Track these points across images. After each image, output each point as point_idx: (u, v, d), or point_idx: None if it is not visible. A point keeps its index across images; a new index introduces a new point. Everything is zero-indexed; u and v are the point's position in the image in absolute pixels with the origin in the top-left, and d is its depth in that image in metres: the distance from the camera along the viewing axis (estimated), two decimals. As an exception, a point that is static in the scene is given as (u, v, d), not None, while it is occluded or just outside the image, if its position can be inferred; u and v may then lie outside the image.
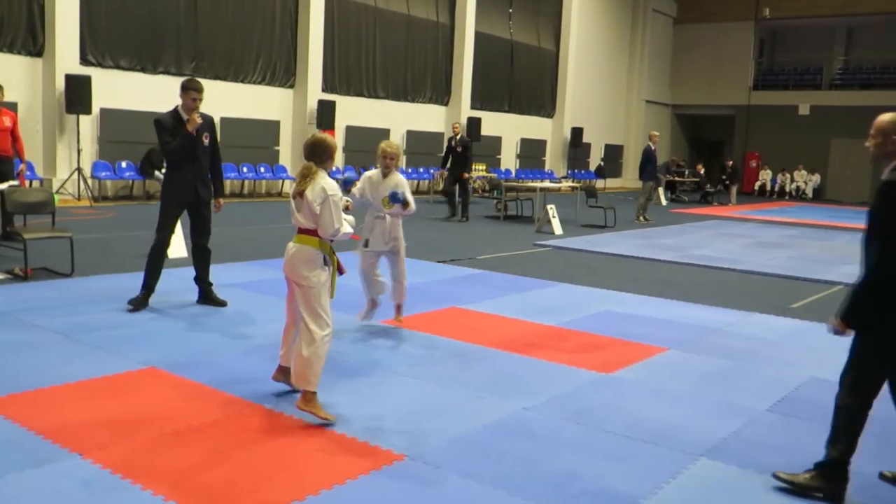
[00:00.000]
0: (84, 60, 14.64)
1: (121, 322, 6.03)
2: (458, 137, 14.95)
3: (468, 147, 15.03)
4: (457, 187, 15.14)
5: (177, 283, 7.33)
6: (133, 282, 7.10)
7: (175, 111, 6.48)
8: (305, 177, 4.35)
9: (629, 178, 31.08)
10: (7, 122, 9.49)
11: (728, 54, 31.97)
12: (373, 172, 6.22)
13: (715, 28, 32.07)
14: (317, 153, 4.41)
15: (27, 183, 10.30)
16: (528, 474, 3.70)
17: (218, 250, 9.03)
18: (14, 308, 6.22)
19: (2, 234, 8.70)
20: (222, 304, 6.77)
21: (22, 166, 9.85)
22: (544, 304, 7.56)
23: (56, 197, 8.69)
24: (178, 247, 9.09)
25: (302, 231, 4.41)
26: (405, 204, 5.93)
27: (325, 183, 4.31)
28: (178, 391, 4.59)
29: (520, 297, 7.91)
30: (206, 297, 6.81)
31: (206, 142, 6.59)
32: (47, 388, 4.47)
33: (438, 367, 5.35)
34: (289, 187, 18.78)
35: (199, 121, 6.42)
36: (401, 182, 6.06)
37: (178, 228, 9.02)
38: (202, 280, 6.82)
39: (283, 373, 4.65)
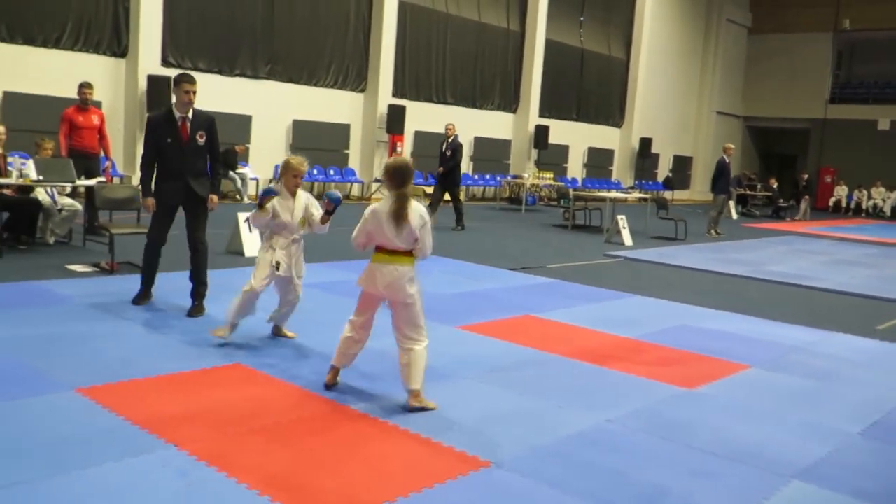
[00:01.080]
0: (165, 62, 15.06)
1: (202, 318, 6.15)
2: (449, 140, 14.00)
3: (457, 151, 14.01)
4: (444, 194, 14.08)
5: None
6: (210, 279, 7.17)
7: (169, 109, 6.19)
8: (405, 202, 4.41)
9: (698, 190, 30.57)
10: (95, 120, 9.82)
11: (804, 66, 31.16)
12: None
13: (791, 39, 31.31)
14: (407, 177, 4.49)
15: (112, 180, 10.62)
16: (615, 488, 3.65)
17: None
18: (102, 300, 6.42)
19: (88, 228, 8.99)
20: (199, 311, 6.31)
21: (108, 163, 10.17)
22: (618, 316, 7.46)
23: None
24: (254, 246, 9.26)
25: (397, 252, 4.46)
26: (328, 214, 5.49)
27: (420, 208, 4.45)
28: (264, 388, 4.66)
29: (593, 307, 7.83)
30: (198, 297, 6.36)
31: (202, 141, 6.25)
32: (140, 380, 4.59)
33: (517, 375, 5.32)
34: (357, 190, 18.99)
35: (152, 209, 6.24)
36: (311, 200, 5.63)
37: (256, 232, 9.21)
38: (197, 281, 6.37)
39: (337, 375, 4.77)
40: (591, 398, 4.93)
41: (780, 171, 30.92)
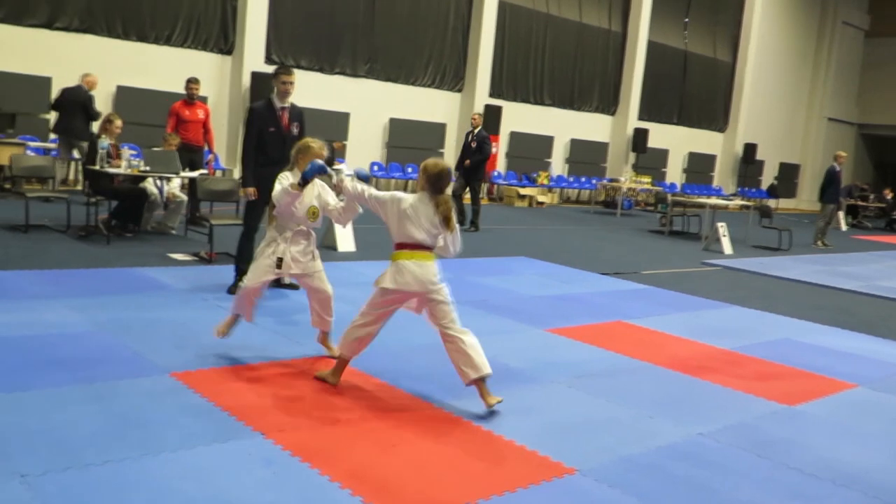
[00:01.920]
0: (269, 59, 15.46)
1: (294, 308, 6.25)
2: (475, 131, 12.90)
3: (485, 142, 12.92)
4: (467, 190, 13.01)
5: (347, 276, 7.54)
6: None
7: (269, 100, 6.48)
8: (451, 207, 4.46)
9: (804, 199, 29.36)
10: (201, 114, 10.15)
11: (926, 71, 29.49)
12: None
13: (912, 43, 29.68)
14: (447, 182, 4.50)
15: (214, 172, 10.95)
16: (707, 505, 3.49)
17: (380, 249, 9.24)
18: (199, 288, 6.60)
19: (190, 218, 9.28)
20: (294, 287, 6.67)
21: (210, 156, 10.49)
22: (715, 326, 7.19)
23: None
24: (347, 240, 9.38)
25: (423, 247, 4.40)
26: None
27: None
28: (352, 381, 4.67)
29: (689, 316, 7.57)
30: (277, 281, 6.42)
31: (297, 131, 6.50)
32: (232, 367, 4.68)
33: (606, 382, 5.17)
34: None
35: (254, 197, 6.45)
36: (324, 189, 5.18)
37: (350, 226, 9.33)
38: None
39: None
40: (683, 409, 4.75)
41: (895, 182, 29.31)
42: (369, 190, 4.56)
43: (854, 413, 5.01)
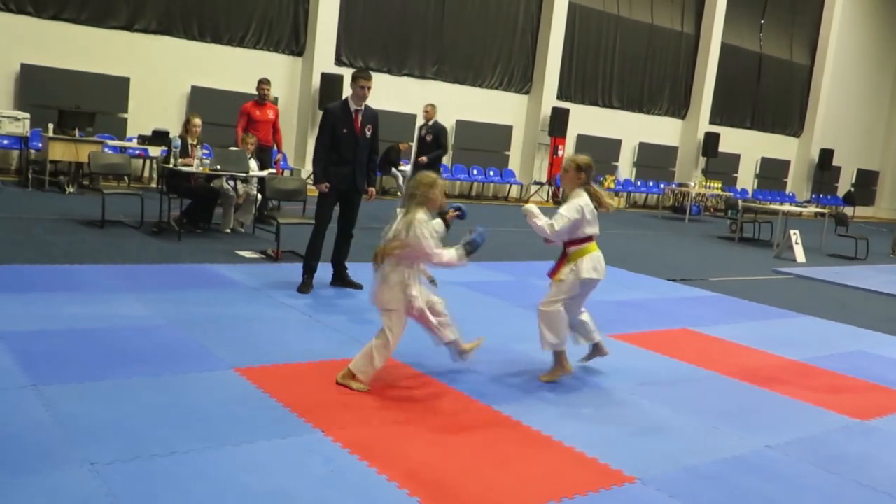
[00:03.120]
0: (338, 61, 15.67)
1: (356, 308, 6.31)
2: (429, 123, 11.41)
3: (442, 134, 11.38)
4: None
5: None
6: (366, 273, 7.40)
7: (345, 102, 6.69)
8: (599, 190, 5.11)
9: (884, 206, 28.32)
10: (271, 114, 10.33)
11: None
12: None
13: None
14: (592, 173, 5.07)
15: (282, 172, 11.14)
16: (773, 520, 3.38)
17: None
18: (265, 285, 6.72)
19: (258, 217, 9.46)
20: (358, 286, 6.89)
21: (279, 155, 10.67)
22: (786, 336, 6.98)
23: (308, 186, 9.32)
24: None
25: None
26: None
27: None
28: (413, 382, 4.70)
29: (758, 325, 7.37)
30: (342, 279, 6.97)
31: (369, 134, 6.73)
32: (293, 364, 4.75)
33: (670, 390, 5.08)
34: (515, 192, 18.95)
35: (326, 190, 6.65)
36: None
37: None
38: (339, 264, 6.98)
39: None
40: (750, 421, 4.63)
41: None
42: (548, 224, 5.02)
43: (932, 431, 4.80)
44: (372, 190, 6.95)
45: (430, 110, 11.52)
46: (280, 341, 5.16)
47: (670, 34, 21.33)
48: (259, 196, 9.44)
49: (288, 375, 4.53)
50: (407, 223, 4.41)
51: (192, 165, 8.75)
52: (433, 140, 11.20)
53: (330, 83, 15.02)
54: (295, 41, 15.39)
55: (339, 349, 5.13)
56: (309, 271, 6.78)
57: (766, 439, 4.32)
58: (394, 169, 15.36)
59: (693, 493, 3.54)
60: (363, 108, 6.65)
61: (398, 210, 4.61)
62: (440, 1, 17.03)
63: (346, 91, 15.69)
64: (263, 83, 10.28)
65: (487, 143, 18.24)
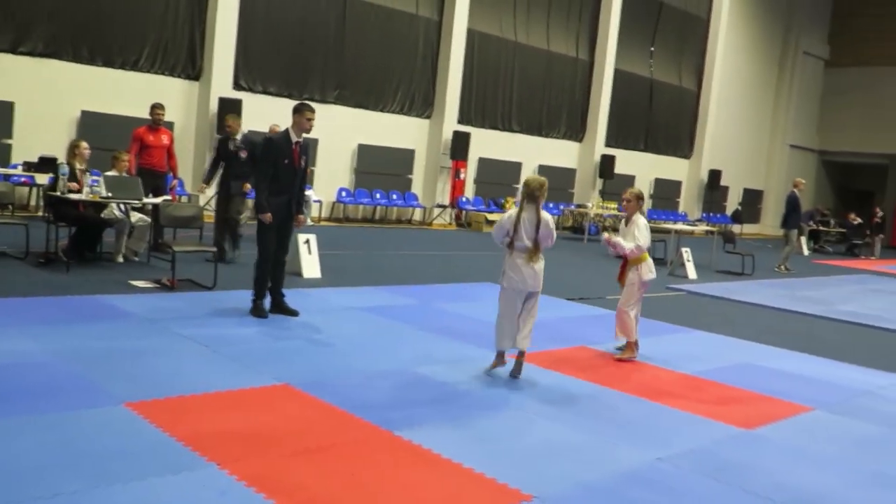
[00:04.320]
0: (236, 85, 15.46)
1: (256, 337, 6.21)
2: (237, 138, 9.82)
3: (257, 148, 8.98)
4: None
5: (312, 302, 7.52)
6: (267, 300, 7.37)
7: (286, 133, 6.88)
8: None
9: (768, 224, 29.82)
10: (165, 139, 10.10)
11: (884, 100, 30.19)
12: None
13: (870, 72, 30.42)
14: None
15: (178, 198, 10.88)
16: (663, 531, 3.50)
17: (348, 275, 9.24)
18: (160, 316, 6.53)
19: (153, 245, 9.20)
20: (294, 313, 7.02)
21: (174, 182, 10.42)
22: (678, 351, 7.25)
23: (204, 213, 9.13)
24: (313, 267, 9.34)
25: None
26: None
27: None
28: (309, 410, 4.64)
29: (652, 341, 7.61)
30: (279, 307, 7.08)
31: (303, 164, 6.96)
32: (188, 396, 4.62)
33: (566, 408, 5.19)
34: (419, 215, 19.06)
35: (268, 222, 6.83)
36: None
37: (314, 250, 9.30)
38: (276, 291, 7.12)
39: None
40: (644, 435, 4.78)
41: (857, 208, 29.86)
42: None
43: (810, 436, 5.08)
44: (301, 217, 7.15)
45: (233, 124, 9.92)
46: (174, 374, 5.02)
47: (566, 60, 21.99)
48: (151, 222, 9.16)
49: (182, 408, 4.41)
50: (544, 221, 5.85)
51: (80, 192, 8.44)
52: (249, 155, 9.58)
53: (228, 108, 14.76)
54: (191, 65, 15.11)
55: (236, 379, 5.03)
56: (261, 296, 6.93)
57: (658, 452, 4.46)
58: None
59: None
60: (301, 139, 6.87)
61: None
62: (340, 25, 17.06)
63: (247, 116, 15.50)
64: (157, 108, 10.04)
65: (390, 166, 18.31)
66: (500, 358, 5.88)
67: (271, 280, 7.05)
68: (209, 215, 9.50)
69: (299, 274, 9.21)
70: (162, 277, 8.04)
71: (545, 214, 5.80)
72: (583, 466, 4.15)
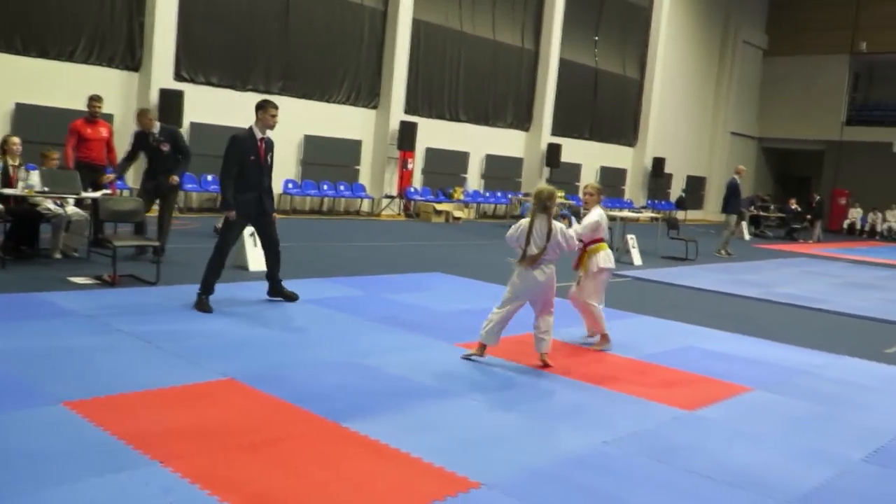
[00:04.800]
0: (178, 76, 15.17)
1: (201, 332, 6.12)
2: (156, 130, 9.30)
3: (180, 139, 9.53)
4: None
5: (259, 296, 7.44)
6: (218, 292, 7.27)
7: (250, 130, 6.97)
8: None
9: (711, 210, 30.41)
10: (104, 132, 9.86)
11: (820, 88, 31.06)
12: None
13: (807, 61, 31.23)
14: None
15: (118, 192, 10.64)
16: (607, 512, 3.56)
17: (296, 266, 9.15)
18: (100, 313, 6.39)
19: (93, 240, 8.99)
20: (293, 297, 7.40)
21: (112, 175, 10.17)
22: (623, 336, 7.34)
23: (152, 206, 8.95)
24: (259, 260, 9.22)
25: None
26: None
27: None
28: (255, 404, 4.60)
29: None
30: (278, 291, 7.43)
31: (270, 160, 7.17)
32: (129, 394, 4.54)
33: (513, 394, 5.24)
34: (367, 206, 18.97)
35: (233, 219, 7.01)
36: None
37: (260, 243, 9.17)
38: (273, 278, 7.44)
39: None
40: (589, 419, 4.85)
41: (796, 193, 30.61)
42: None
43: (749, 416, 5.21)
44: (274, 216, 7.31)
45: (149, 119, 9.34)
46: (115, 371, 4.92)
47: (512, 50, 22.07)
48: (87, 216, 8.94)
49: (123, 406, 4.33)
50: (560, 229, 5.88)
51: (15, 188, 8.20)
52: (173, 147, 9.27)
53: (169, 99, 14.51)
54: (130, 56, 14.77)
55: (179, 375, 4.96)
56: (208, 290, 6.84)
57: (604, 436, 4.54)
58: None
59: (534, 495, 3.66)
60: (266, 136, 7.02)
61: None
62: (284, 15, 16.84)
63: (189, 108, 15.26)
64: (94, 100, 9.79)
65: (336, 157, 18.17)
66: (481, 349, 5.95)
67: (268, 270, 7.34)
68: (153, 210, 9.29)
69: (245, 267, 9.10)
70: (102, 274, 7.86)
71: (556, 224, 5.87)
72: (530, 452, 4.19)
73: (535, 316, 6.00)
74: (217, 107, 15.78)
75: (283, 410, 4.53)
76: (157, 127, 9.36)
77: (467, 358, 5.94)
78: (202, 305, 6.80)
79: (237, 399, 4.65)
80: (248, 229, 9.13)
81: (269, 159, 7.07)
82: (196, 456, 3.74)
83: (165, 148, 9.23)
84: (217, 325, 6.37)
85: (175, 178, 9.31)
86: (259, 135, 6.94)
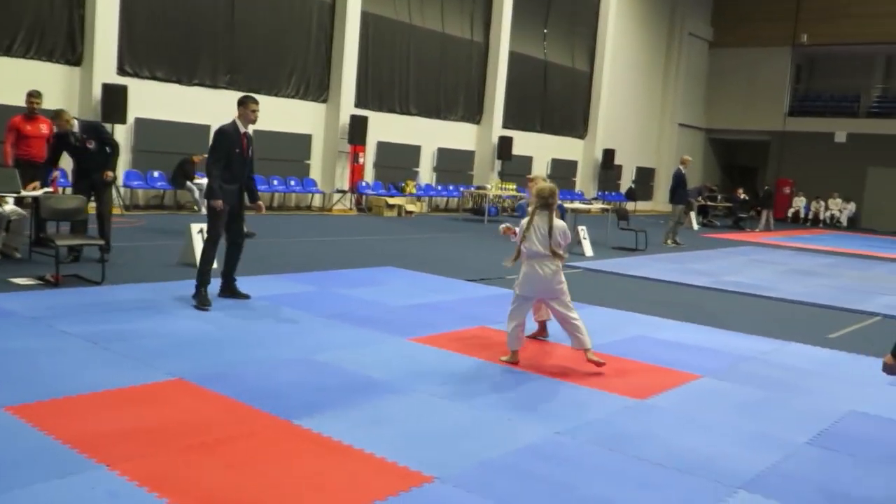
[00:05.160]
0: (121, 70, 14.83)
1: (149, 331, 6.01)
2: (76, 131, 8.91)
3: (102, 131, 9.23)
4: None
5: (209, 293, 7.33)
6: (159, 293, 7.26)
7: (234, 124, 7.14)
8: None
9: (660, 201, 30.84)
10: (44, 129, 9.61)
11: (764, 79, 31.71)
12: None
13: (751, 53, 31.84)
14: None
15: (60, 190, 10.38)
16: (562, 502, 3.59)
17: (247, 263, 9.03)
18: (44, 314, 6.23)
19: (35, 240, 8.76)
20: (245, 296, 7.37)
21: (55, 173, 9.92)
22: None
23: (88, 205, 8.72)
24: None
25: None
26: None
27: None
28: (205, 404, 4.53)
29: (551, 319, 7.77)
30: (231, 290, 7.43)
31: (251, 154, 7.30)
32: (74, 397, 4.43)
33: (468, 388, 5.24)
34: (318, 201, 18.82)
35: (220, 209, 7.05)
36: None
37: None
38: (229, 275, 7.47)
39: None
40: (543, 411, 4.88)
41: (741, 183, 31.23)
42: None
43: (699, 403, 5.30)
44: (260, 203, 7.54)
45: (63, 119, 8.88)
46: (59, 373, 4.80)
47: (462, 42, 22.07)
48: (26, 214, 8.69)
49: (68, 410, 4.22)
50: (559, 227, 5.89)
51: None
52: (101, 143, 8.96)
53: (113, 94, 14.18)
54: (71, 49, 14.38)
55: (127, 376, 4.86)
56: (205, 284, 7.00)
57: (556, 426, 4.57)
58: (188, 182, 14.76)
59: (488, 487, 3.67)
60: (248, 130, 7.20)
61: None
62: (229, 8, 16.56)
63: (133, 103, 14.96)
64: (32, 96, 9.53)
65: (286, 152, 17.97)
66: (514, 355, 5.97)
67: (226, 263, 7.38)
68: (91, 207, 9.06)
69: (194, 265, 8.94)
70: (45, 274, 7.66)
71: (557, 221, 5.93)
72: (483, 445, 4.20)
73: (554, 317, 6.11)
74: (163, 102, 15.48)
75: (233, 409, 4.46)
76: (75, 126, 9.00)
77: (507, 361, 5.91)
78: (201, 300, 6.94)
79: (186, 399, 4.58)
80: (196, 227, 9.02)
81: (250, 153, 7.27)
82: (144, 458, 3.67)
83: (91, 145, 8.89)
84: (166, 325, 6.26)
85: (110, 174, 9.00)
86: (242, 129, 7.14)
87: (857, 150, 29.40)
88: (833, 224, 29.41)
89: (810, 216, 30.15)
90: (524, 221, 5.94)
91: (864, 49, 30.23)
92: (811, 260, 15.74)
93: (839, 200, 29.71)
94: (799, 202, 30.65)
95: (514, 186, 21.60)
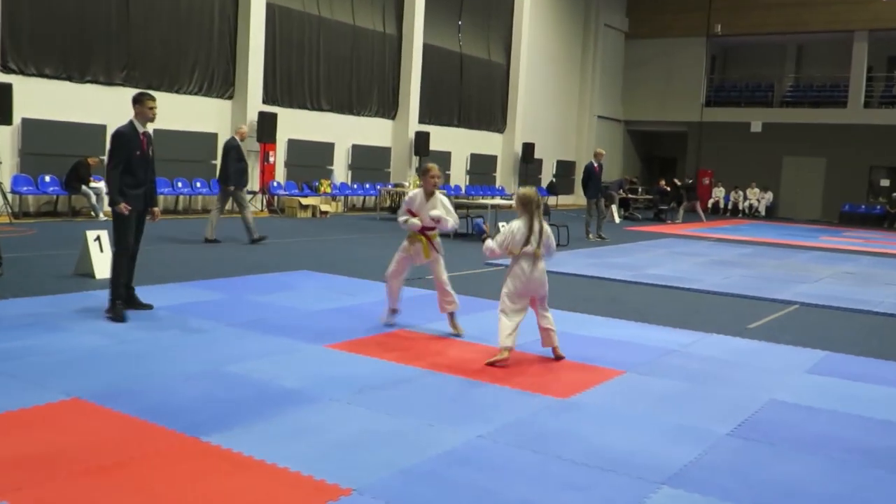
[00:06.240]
0: (5, 67, 13.87)
1: (41, 348, 5.55)
2: None
3: None
4: None
5: (102, 304, 6.74)
6: (53, 306, 6.80)
7: (131, 124, 6.76)
8: None
9: (582, 195, 30.97)
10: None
11: (680, 70, 32.19)
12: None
13: (667, 44, 32.27)
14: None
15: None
16: (483, 512, 3.35)
17: (149, 272, 8.40)
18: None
19: None
20: (148, 307, 6.92)
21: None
22: (495, 327, 7.05)
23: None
24: (105, 266, 8.44)
25: None
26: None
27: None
28: (104, 424, 4.17)
29: (470, 318, 7.49)
30: (131, 301, 6.88)
31: (152, 154, 6.94)
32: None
33: (387, 394, 5.00)
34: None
35: (125, 212, 6.65)
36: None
37: (107, 248, 8.48)
38: (127, 286, 6.91)
39: None
40: (464, 414, 4.68)
41: (661, 174, 31.55)
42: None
43: (622, 399, 5.19)
44: (156, 210, 7.07)
45: None
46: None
47: (373, 35, 21.58)
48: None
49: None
50: (546, 232, 6.08)
51: None
52: None
53: (-2, 94, 13.17)
54: (-51, 45, 13.32)
55: (16, 398, 4.43)
56: (120, 297, 6.61)
57: (477, 430, 4.38)
58: (84, 187, 13.86)
59: (409, 496, 3.47)
60: (146, 129, 6.87)
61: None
62: (123, 0, 15.63)
63: (20, 102, 13.95)
64: None
65: (190, 153, 17.13)
66: (507, 351, 5.87)
67: (130, 274, 6.91)
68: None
69: (91, 275, 8.32)
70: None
71: (545, 224, 6.11)
72: (403, 452, 3.99)
73: (536, 314, 6.14)
74: (52, 100, 14.54)
75: (135, 429, 4.13)
76: None
77: (492, 364, 5.79)
78: (116, 313, 6.51)
79: (83, 420, 4.22)
80: (93, 234, 8.52)
81: (150, 153, 6.92)
82: (36, 486, 3.35)
83: None
84: (60, 340, 5.79)
85: None
86: (140, 129, 6.79)
87: (772, 140, 30.13)
88: (752, 214, 30.03)
89: (730, 206, 30.70)
90: (514, 227, 5.96)
91: (776, 38, 31.01)
92: (731, 250, 15.88)
93: (757, 190, 30.37)
94: (718, 192, 31.19)
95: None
